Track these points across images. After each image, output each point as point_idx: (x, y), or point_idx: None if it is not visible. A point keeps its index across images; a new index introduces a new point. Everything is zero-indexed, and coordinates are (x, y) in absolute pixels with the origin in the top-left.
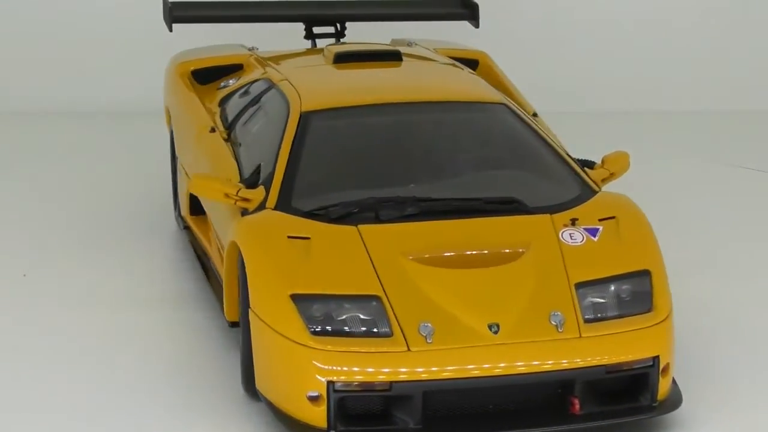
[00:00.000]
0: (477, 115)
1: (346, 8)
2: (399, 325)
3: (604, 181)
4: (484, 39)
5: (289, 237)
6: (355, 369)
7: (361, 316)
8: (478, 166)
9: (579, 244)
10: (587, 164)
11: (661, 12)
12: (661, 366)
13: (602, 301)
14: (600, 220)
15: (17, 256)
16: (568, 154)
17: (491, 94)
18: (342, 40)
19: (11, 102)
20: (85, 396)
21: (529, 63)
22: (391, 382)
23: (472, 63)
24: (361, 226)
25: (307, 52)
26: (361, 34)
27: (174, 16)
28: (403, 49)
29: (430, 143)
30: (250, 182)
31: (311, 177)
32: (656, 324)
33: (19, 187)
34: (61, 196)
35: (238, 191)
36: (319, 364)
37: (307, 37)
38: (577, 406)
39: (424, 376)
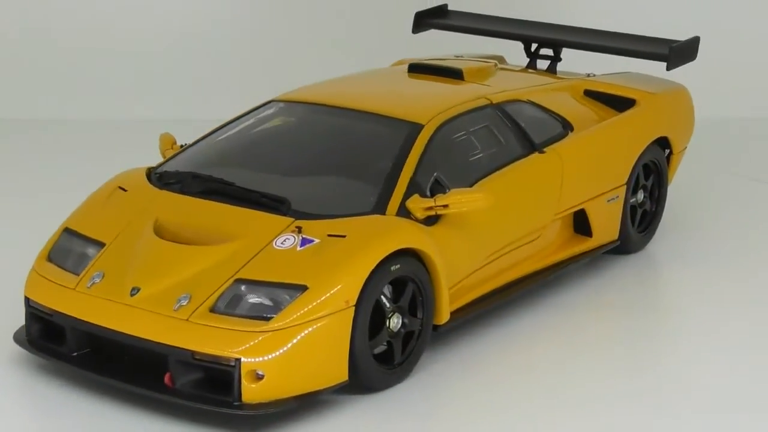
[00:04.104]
0: (385, 128)
1: (563, 34)
2: (88, 269)
3: (429, 210)
4: None
5: (118, 188)
6: (39, 292)
7: (84, 255)
8: (330, 170)
9: (282, 248)
10: (436, 191)
11: None
12: (247, 370)
13: (245, 299)
14: (329, 235)
15: None
16: (418, 179)
17: (419, 115)
18: (558, 64)
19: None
20: None
21: None
22: (54, 311)
23: (628, 102)
24: (164, 192)
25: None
26: (574, 60)
27: (424, 23)
28: (470, 69)
29: (324, 143)
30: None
31: (204, 150)
32: (256, 332)
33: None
34: None
35: (166, 150)
36: (27, 283)
37: (528, 56)
38: (167, 380)
39: (66, 312)
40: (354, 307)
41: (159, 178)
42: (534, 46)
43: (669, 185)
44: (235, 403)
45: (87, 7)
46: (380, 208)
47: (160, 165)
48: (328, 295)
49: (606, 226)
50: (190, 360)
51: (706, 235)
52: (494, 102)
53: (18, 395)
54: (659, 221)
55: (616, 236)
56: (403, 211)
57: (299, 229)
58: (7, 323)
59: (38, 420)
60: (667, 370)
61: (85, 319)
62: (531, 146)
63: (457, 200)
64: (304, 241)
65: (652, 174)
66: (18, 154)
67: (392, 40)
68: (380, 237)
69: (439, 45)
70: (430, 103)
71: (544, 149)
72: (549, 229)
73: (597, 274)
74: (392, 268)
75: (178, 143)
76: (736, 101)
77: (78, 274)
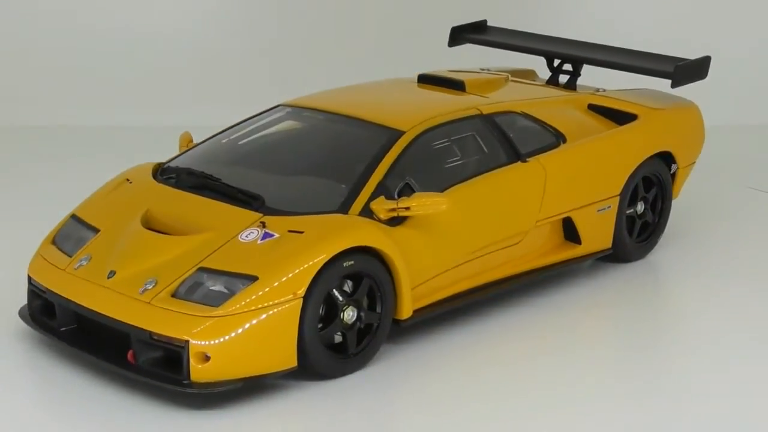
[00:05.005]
0: (370, 134)
1: (578, 50)
2: (80, 252)
3: (392, 212)
4: None
5: (126, 179)
6: (38, 272)
7: (81, 240)
8: (312, 171)
9: (245, 241)
10: (404, 193)
11: None
12: (194, 352)
13: (204, 286)
14: (289, 231)
15: None
16: (388, 183)
17: (402, 122)
18: (579, 80)
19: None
20: None
21: None
22: (47, 289)
23: (630, 117)
24: (160, 185)
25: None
26: (595, 76)
27: (459, 37)
28: (473, 81)
29: (315, 146)
30: None
31: (207, 149)
32: (205, 317)
33: None
34: None
35: (182, 148)
36: (31, 263)
37: (550, 70)
38: (129, 356)
39: (54, 290)
40: (303, 299)
41: (161, 172)
42: (557, 61)
43: (675, 199)
44: (185, 382)
45: (89, 9)
46: (345, 207)
47: (168, 161)
48: (275, 285)
49: (596, 234)
50: (148, 340)
51: (709, 245)
52: (484, 113)
53: (20, 366)
54: (661, 233)
55: (609, 245)
56: (367, 212)
57: (263, 224)
58: (16, 301)
59: (38, 392)
60: (642, 374)
61: (67, 297)
62: (516, 156)
63: (419, 203)
64: (265, 235)
65: (653, 187)
66: (27, 158)
67: (433, 52)
68: (334, 234)
69: (479, 58)
70: (417, 112)
71: (528, 159)
72: (534, 234)
73: (590, 279)
74: (345, 264)
75: (194, 142)
76: (740, 109)
77: (71, 257)
